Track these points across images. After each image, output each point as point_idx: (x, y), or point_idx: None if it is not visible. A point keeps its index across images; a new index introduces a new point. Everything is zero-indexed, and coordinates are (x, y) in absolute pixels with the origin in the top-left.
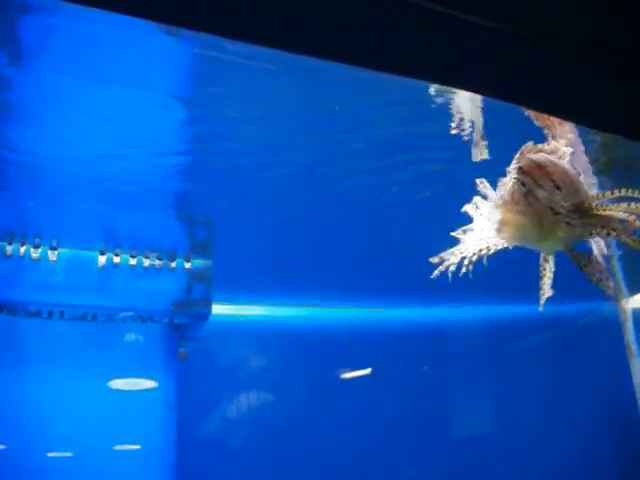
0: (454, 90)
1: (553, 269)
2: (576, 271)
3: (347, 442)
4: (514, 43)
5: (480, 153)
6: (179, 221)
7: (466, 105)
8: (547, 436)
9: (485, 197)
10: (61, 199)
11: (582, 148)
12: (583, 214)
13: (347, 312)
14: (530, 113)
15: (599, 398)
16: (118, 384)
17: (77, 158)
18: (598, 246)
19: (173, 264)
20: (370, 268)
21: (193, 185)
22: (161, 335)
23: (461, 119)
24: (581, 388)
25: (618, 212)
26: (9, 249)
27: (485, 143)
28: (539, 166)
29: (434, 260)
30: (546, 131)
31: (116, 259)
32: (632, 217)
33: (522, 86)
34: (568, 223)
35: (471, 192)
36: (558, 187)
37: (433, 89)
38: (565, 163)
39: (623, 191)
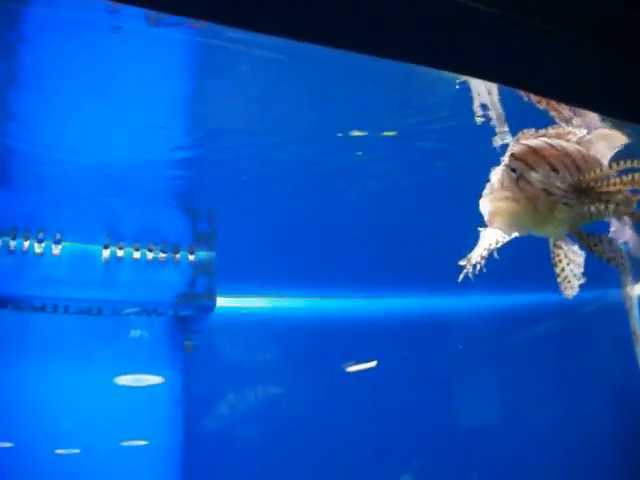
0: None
1: (570, 255)
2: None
3: (353, 433)
4: (515, 28)
5: (501, 139)
6: (182, 213)
7: (483, 91)
8: (553, 424)
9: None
10: (64, 193)
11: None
12: (582, 193)
13: (352, 303)
14: (532, 97)
15: (605, 385)
16: (124, 379)
17: (80, 151)
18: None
19: (177, 257)
20: (375, 259)
21: (196, 177)
22: (166, 328)
23: (482, 105)
24: (587, 375)
25: (619, 185)
26: (13, 244)
27: (506, 129)
28: (534, 150)
29: (464, 262)
30: (552, 113)
31: (120, 252)
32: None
33: (522, 70)
34: (566, 204)
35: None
36: (555, 169)
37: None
38: (569, 145)
39: (622, 164)
